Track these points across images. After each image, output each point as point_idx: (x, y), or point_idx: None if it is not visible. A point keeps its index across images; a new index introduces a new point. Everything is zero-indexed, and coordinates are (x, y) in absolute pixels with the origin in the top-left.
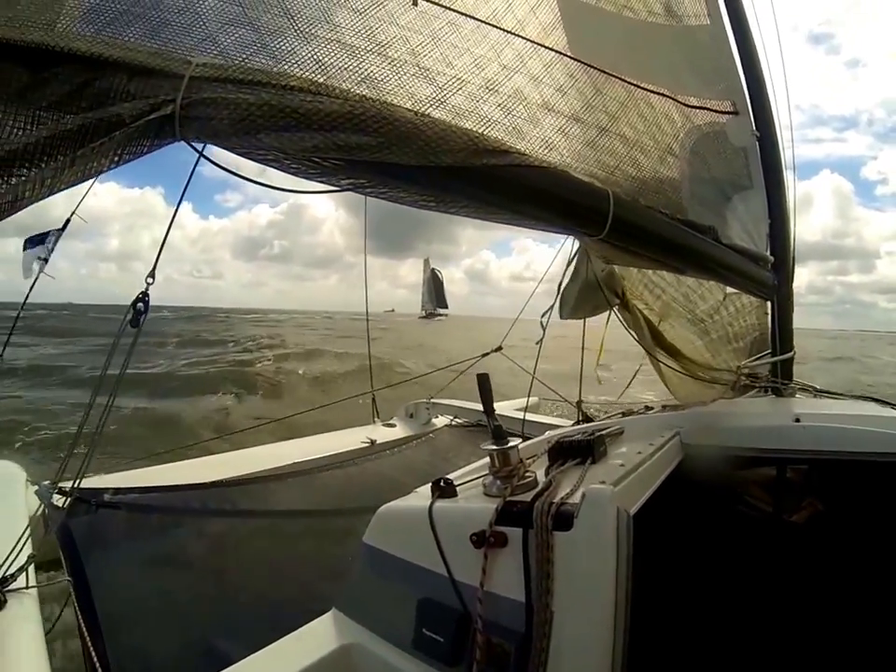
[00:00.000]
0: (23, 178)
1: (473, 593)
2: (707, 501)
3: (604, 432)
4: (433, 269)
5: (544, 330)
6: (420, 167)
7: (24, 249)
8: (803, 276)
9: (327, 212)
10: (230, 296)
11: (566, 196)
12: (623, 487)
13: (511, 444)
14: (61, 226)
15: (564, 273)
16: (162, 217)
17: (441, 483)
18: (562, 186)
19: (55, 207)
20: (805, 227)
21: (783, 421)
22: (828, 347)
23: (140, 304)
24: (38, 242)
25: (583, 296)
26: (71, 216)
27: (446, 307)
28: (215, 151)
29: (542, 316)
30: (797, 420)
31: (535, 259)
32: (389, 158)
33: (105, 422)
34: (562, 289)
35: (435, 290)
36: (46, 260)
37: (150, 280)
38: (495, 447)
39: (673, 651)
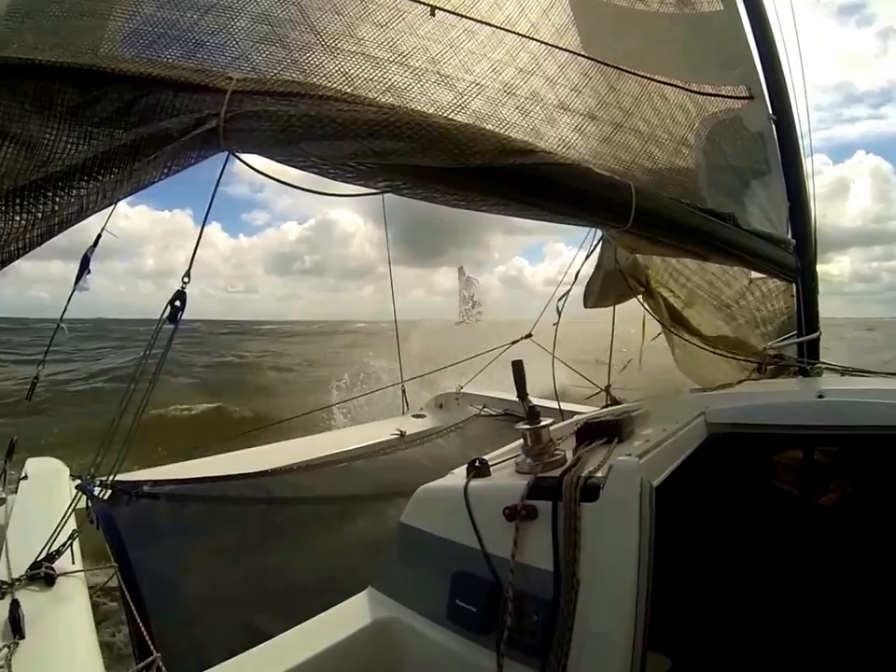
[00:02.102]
0: (84, 191)
1: (505, 564)
2: (734, 483)
3: (631, 413)
4: (468, 276)
5: (559, 314)
6: (451, 168)
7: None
8: (845, 264)
9: (355, 225)
10: (263, 309)
11: (590, 191)
12: (647, 460)
13: (542, 424)
14: (92, 243)
15: (583, 264)
16: (193, 237)
17: (476, 464)
18: (586, 181)
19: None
20: (843, 212)
21: (806, 398)
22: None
23: (177, 302)
24: (83, 271)
25: (607, 285)
26: (101, 232)
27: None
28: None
29: (559, 301)
30: (820, 396)
31: (567, 263)
32: (423, 161)
33: (140, 416)
34: (585, 280)
35: (472, 298)
36: (87, 289)
37: (186, 280)
38: (528, 426)
39: (696, 624)
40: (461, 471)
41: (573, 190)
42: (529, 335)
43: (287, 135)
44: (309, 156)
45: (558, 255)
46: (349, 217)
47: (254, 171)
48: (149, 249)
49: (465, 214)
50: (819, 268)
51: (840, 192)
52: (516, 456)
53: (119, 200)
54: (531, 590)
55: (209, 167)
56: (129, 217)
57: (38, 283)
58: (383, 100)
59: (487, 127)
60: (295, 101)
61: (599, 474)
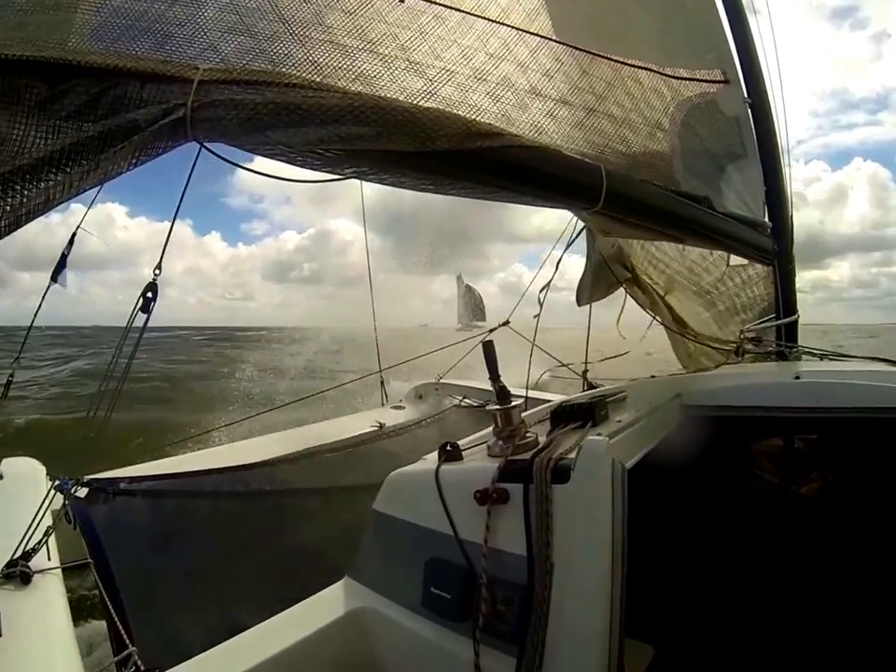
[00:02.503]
0: (52, 182)
1: (478, 549)
2: (715, 469)
3: (606, 397)
4: (467, 284)
5: (541, 306)
6: (417, 153)
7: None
8: (844, 270)
9: (354, 234)
10: (259, 316)
11: (559, 173)
12: (619, 440)
13: (513, 404)
14: (67, 242)
15: (563, 253)
16: (192, 247)
17: (448, 448)
18: (555, 164)
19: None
20: (841, 219)
21: (783, 379)
22: None
23: (150, 293)
24: (60, 270)
25: (597, 276)
26: (76, 231)
27: (484, 320)
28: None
29: (540, 292)
30: (797, 377)
31: (568, 268)
32: (388, 146)
33: (113, 406)
34: (566, 268)
35: (472, 304)
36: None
37: (157, 272)
38: (498, 407)
39: (679, 612)
40: (433, 457)
41: (542, 173)
42: (507, 322)
43: (254, 123)
44: (275, 143)
45: (549, 264)
46: (348, 226)
47: (222, 160)
48: (146, 259)
49: (465, 225)
50: (819, 273)
51: (839, 199)
52: (488, 440)
53: (86, 190)
54: (505, 575)
55: (211, 179)
56: (128, 229)
57: (36, 294)
58: (352, 88)
59: (458, 113)
60: (262, 89)
61: (571, 456)
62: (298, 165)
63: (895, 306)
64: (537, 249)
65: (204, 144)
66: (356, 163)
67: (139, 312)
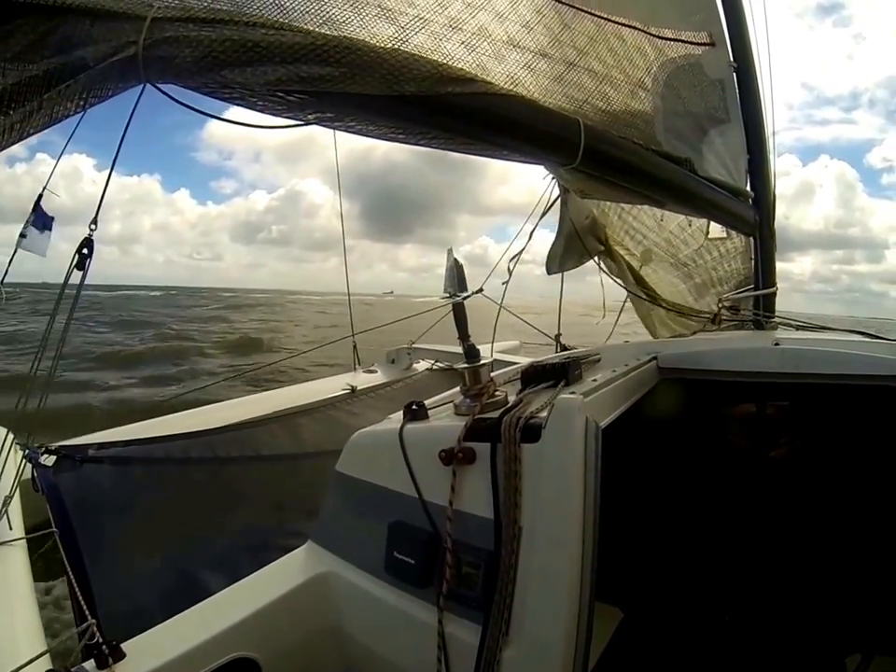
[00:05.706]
0: None
1: (443, 512)
2: (689, 432)
3: (580, 358)
4: (455, 258)
5: (510, 273)
6: (385, 97)
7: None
8: (807, 264)
9: (324, 197)
10: (228, 277)
11: (535, 125)
12: (593, 399)
13: (482, 362)
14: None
15: (538, 221)
16: (161, 202)
17: (413, 407)
18: (531, 114)
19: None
20: (805, 216)
21: (762, 344)
22: None
23: (85, 249)
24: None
25: (568, 246)
26: (42, 191)
27: (466, 291)
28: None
29: (511, 261)
30: (776, 344)
31: (534, 242)
32: (353, 88)
33: (56, 364)
34: (539, 239)
35: (457, 277)
36: (24, 236)
37: (93, 227)
38: (466, 365)
39: (648, 576)
40: (398, 416)
41: (518, 124)
42: (480, 290)
43: (209, 62)
44: (232, 84)
45: (524, 235)
46: (318, 188)
47: (176, 102)
48: (115, 214)
49: (432, 194)
50: (781, 266)
51: (806, 195)
52: (455, 399)
53: (29, 134)
54: (471, 540)
55: (182, 132)
56: (96, 183)
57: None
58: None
59: None
60: (219, 27)
61: (542, 414)
62: (258, 110)
63: (855, 301)
64: (502, 222)
65: (157, 85)
66: (319, 108)
67: (75, 269)
